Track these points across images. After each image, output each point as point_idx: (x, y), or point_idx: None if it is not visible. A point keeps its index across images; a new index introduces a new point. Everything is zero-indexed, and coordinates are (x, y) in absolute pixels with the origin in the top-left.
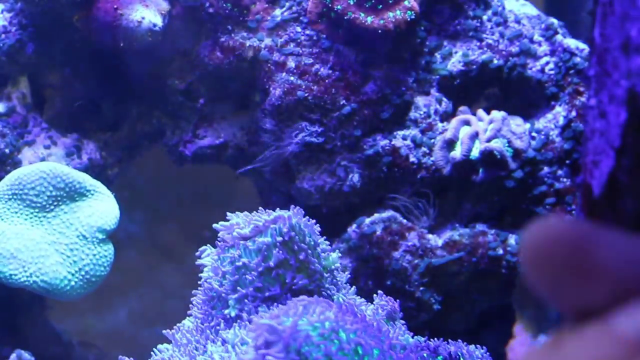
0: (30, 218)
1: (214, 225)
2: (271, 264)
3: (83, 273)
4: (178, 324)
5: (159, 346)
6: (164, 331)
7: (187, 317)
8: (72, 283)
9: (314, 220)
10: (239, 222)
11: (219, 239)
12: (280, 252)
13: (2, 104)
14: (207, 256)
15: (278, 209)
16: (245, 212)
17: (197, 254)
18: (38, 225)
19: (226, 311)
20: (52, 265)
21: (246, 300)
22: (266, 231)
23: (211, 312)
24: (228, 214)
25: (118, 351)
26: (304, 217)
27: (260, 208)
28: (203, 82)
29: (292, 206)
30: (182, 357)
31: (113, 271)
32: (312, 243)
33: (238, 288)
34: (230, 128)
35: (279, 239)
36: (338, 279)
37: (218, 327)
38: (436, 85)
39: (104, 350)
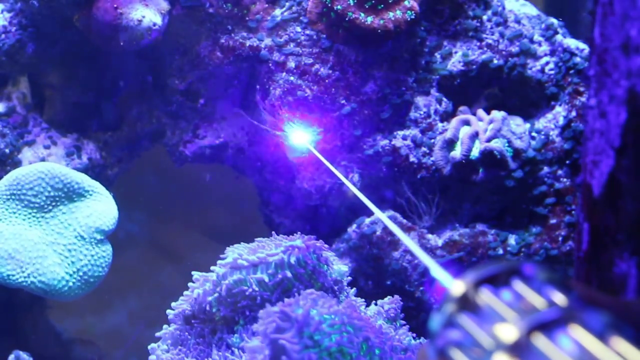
0: (29, 218)
1: (212, 267)
2: (292, 300)
3: (81, 274)
4: (174, 326)
5: (154, 346)
6: (157, 333)
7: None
8: (70, 284)
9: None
10: (241, 254)
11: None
12: (302, 284)
13: (2, 104)
14: (201, 294)
15: (281, 237)
16: (243, 244)
17: (188, 292)
18: (36, 226)
19: (235, 328)
20: (50, 266)
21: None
22: (282, 264)
23: (215, 326)
24: (227, 249)
25: (118, 351)
26: (313, 239)
27: (264, 239)
28: (203, 82)
29: (300, 233)
30: (187, 358)
31: (113, 271)
32: (324, 264)
33: (252, 314)
34: (230, 128)
35: (301, 270)
36: (342, 283)
37: (223, 335)
38: (436, 85)
39: (102, 349)
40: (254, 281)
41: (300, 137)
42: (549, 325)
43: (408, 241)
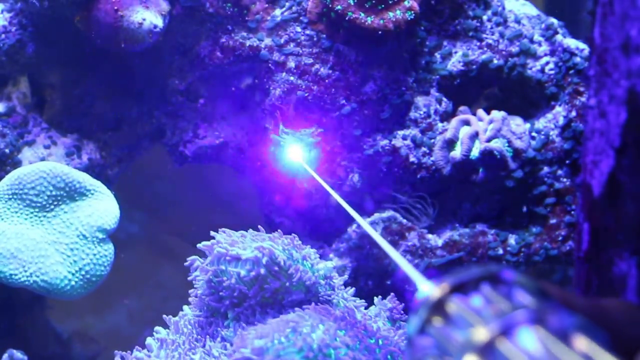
0: (31, 218)
1: (198, 245)
2: (268, 294)
3: (83, 273)
4: (181, 312)
5: (157, 328)
6: (164, 316)
7: (188, 307)
8: (73, 283)
9: (295, 235)
10: (219, 241)
11: (211, 253)
12: (275, 281)
13: (2, 104)
14: (198, 270)
15: (262, 233)
16: (227, 231)
17: (187, 263)
18: (38, 225)
19: (225, 323)
20: (52, 265)
21: (244, 313)
22: (259, 262)
23: (209, 318)
24: (211, 232)
25: (118, 351)
26: (282, 237)
27: (249, 230)
28: (203, 82)
29: (272, 234)
30: (183, 345)
31: (113, 271)
32: (301, 259)
33: (236, 309)
34: (230, 128)
35: (275, 268)
36: (334, 282)
37: (217, 328)
38: (436, 85)
39: (102, 347)
40: (234, 274)
41: (295, 154)
42: (515, 328)
43: (386, 245)
